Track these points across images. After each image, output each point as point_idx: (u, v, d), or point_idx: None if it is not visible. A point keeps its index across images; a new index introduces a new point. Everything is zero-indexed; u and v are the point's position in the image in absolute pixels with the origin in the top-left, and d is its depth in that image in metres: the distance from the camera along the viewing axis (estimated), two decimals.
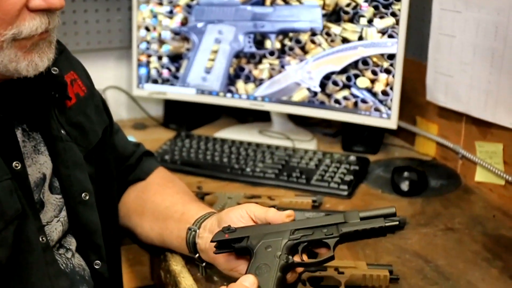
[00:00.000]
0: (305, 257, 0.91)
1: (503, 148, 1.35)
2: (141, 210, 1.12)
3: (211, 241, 0.93)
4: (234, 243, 0.92)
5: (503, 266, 1.10)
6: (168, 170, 1.23)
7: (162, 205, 1.10)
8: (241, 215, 0.95)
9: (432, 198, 1.38)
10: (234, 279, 1.03)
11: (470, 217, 1.29)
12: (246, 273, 0.87)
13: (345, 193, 1.38)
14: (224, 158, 1.52)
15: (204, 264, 1.03)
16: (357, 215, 0.90)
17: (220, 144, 1.59)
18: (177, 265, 1.08)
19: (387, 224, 0.89)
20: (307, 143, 1.66)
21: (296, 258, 0.90)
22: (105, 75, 1.78)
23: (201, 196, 1.31)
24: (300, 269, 0.92)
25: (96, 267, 1.00)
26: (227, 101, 1.67)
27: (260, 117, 1.79)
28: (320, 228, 0.91)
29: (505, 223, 1.26)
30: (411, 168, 1.44)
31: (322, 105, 1.58)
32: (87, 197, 0.98)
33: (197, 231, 1.00)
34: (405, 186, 1.39)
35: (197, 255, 1.02)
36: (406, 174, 1.40)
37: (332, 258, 0.89)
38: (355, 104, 1.55)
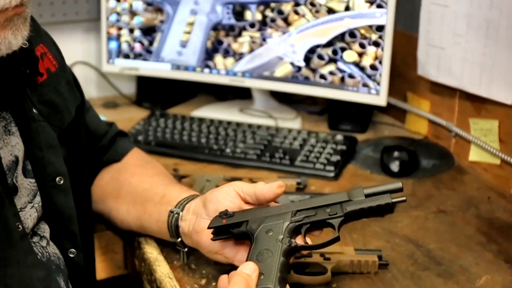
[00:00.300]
0: (309, 240, 0.91)
1: (499, 125, 1.37)
2: (116, 193, 1.12)
3: (208, 227, 0.93)
4: (232, 229, 0.93)
5: (498, 250, 1.12)
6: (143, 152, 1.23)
7: (140, 187, 1.10)
8: (228, 193, 0.96)
9: (423, 179, 1.39)
10: (216, 268, 1.04)
11: (463, 199, 1.30)
12: (247, 260, 0.88)
13: (332, 174, 1.38)
14: (202, 139, 1.52)
15: (186, 249, 1.03)
16: (362, 192, 0.91)
17: (198, 123, 1.58)
18: (152, 253, 1.08)
19: (394, 200, 0.89)
20: (290, 121, 1.66)
21: (299, 241, 0.90)
22: (72, 50, 1.76)
23: (178, 179, 1.31)
24: (304, 253, 0.93)
25: (71, 255, 1.00)
26: (205, 77, 1.67)
27: (240, 94, 1.79)
28: (323, 207, 0.91)
29: (500, 205, 1.28)
30: (402, 147, 1.45)
31: (306, 80, 1.58)
32: (62, 181, 0.98)
33: (180, 213, 1.00)
34: (395, 166, 1.40)
35: (179, 239, 1.02)
36: (396, 153, 1.41)
37: (337, 239, 0.90)
38: (342, 79, 1.55)
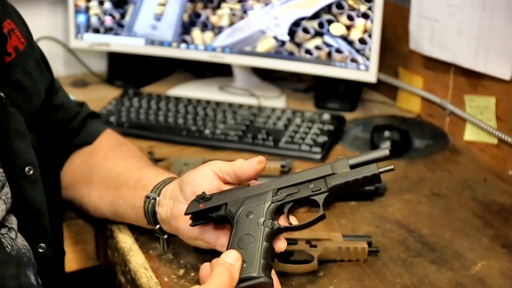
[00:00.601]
0: (293, 220, 0.91)
1: (496, 102, 1.37)
2: (88, 177, 1.11)
3: (185, 214, 0.93)
4: (211, 213, 0.92)
5: (495, 235, 1.13)
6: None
7: (114, 171, 1.09)
8: (205, 174, 0.95)
9: (416, 160, 1.40)
10: (195, 257, 1.04)
11: (458, 181, 1.31)
12: (227, 247, 0.88)
13: (318, 156, 1.39)
14: (179, 119, 1.51)
15: (165, 236, 1.03)
16: (346, 163, 0.90)
17: (174, 103, 1.58)
18: (126, 242, 1.08)
19: (381, 170, 0.89)
20: (274, 100, 1.65)
21: (282, 222, 0.90)
22: (36, 24, 1.72)
23: (153, 163, 1.31)
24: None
25: (41, 250, 0.99)
26: (182, 53, 1.66)
27: (220, 71, 1.78)
28: (306, 183, 0.91)
29: (497, 187, 1.29)
30: (393, 126, 1.45)
31: (291, 56, 1.58)
32: (31, 172, 0.96)
33: (157, 198, 1.00)
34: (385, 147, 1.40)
35: (158, 226, 1.02)
36: (387, 133, 1.41)
37: (323, 217, 0.89)
38: (329, 54, 1.55)
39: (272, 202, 0.90)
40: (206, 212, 0.93)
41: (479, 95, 1.41)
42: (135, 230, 1.10)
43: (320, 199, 0.90)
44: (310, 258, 1.02)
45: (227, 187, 0.95)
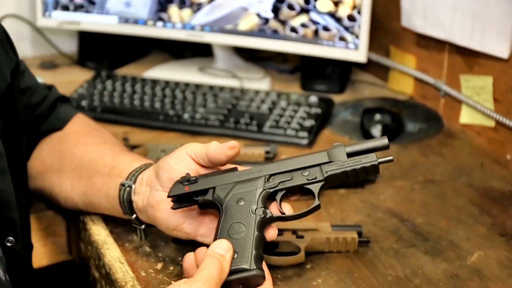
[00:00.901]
0: (286, 207, 0.91)
1: (493, 83, 1.38)
2: (58, 165, 1.11)
3: (168, 196, 0.93)
4: (196, 196, 0.92)
5: (492, 223, 1.14)
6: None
7: (86, 157, 1.09)
8: (180, 158, 0.95)
9: (408, 145, 1.40)
10: (174, 250, 1.04)
11: (453, 167, 1.32)
12: (217, 237, 0.87)
13: (305, 141, 1.39)
14: (156, 103, 1.51)
15: (143, 226, 1.03)
16: (343, 151, 0.91)
17: (151, 85, 1.57)
18: (99, 234, 1.08)
19: (380, 160, 0.90)
20: (258, 82, 1.65)
21: (274, 210, 0.90)
22: (0, 1, 1.73)
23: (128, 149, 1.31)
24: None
25: (9, 244, 0.99)
26: (158, 31, 1.65)
27: (200, 51, 1.78)
28: (301, 171, 0.91)
29: (494, 173, 1.30)
30: (384, 109, 1.46)
31: (275, 34, 1.58)
32: None
33: (133, 186, 1.00)
34: (376, 131, 1.41)
35: (134, 216, 1.02)
36: (377, 117, 1.42)
37: (318, 207, 0.90)
38: (316, 32, 1.55)
39: (264, 189, 0.90)
40: (191, 195, 0.92)
41: (476, 75, 1.42)
42: (110, 222, 1.10)
43: (315, 188, 0.90)
44: (297, 250, 1.02)
45: (205, 171, 0.95)
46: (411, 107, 1.56)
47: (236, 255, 0.84)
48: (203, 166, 0.95)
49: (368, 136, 1.41)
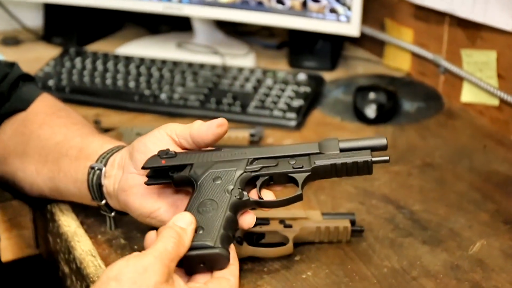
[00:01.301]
0: (267, 194, 0.91)
1: (497, 58, 1.39)
2: (22, 149, 1.10)
3: (143, 168, 0.93)
4: (172, 172, 0.92)
5: (495, 209, 1.15)
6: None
7: (52, 140, 1.08)
8: (159, 139, 0.95)
9: (406, 126, 1.41)
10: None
11: (454, 149, 1.33)
12: (185, 210, 0.87)
13: (293, 123, 1.39)
14: (130, 82, 1.51)
15: (113, 214, 1.03)
16: (337, 144, 0.91)
17: (124, 63, 1.57)
18: (69, 226, 1.08)
19: (374, 159, 0.90)
20: (242, 58, 1.65)
21: (253, 195, 0.91)
22: None
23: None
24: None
25: None
26: (132, 3, 1.64)
27: (178, 26, 1.77)
28: (288, 158, 0.92)
29: (498, 155, 1.31)
30: (379, 87, 1.46)
31: (260, 6, 1.57)
32: None
33: (103, 169, 1.00)
34: (371, 111, 1.41)
35: (104, 201, 1.01)
36: (372, 95, 1.42)
37: (300, 197, 0.90)
38: (304, 4, 1.55)
39: (245, 171, 0.91)
40: (167, 171, 0.93)
41: (478, 49, 1.42)
42: (80, 212, 1.10)
43: (300, 177, 0.91)
44: (285, 240, 1.03)
45: None
46: (408, 85, 1.57)
47: (201, 231, 0.84)
48: (184, 149, 0.95)
49: (361, 116, 1.41)
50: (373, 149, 0.91)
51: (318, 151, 0.91)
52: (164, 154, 0.92)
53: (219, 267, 0.84)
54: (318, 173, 0.91)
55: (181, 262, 0.81)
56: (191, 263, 0.83)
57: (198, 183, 0.90)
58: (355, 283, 0.98)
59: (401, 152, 1.31)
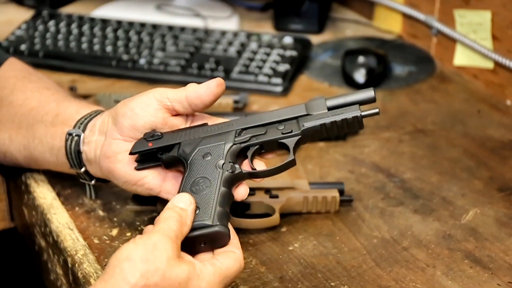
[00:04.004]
0: (259, 164, 0.92)
1: (492, 18, 1.39)
2: None
3: (130, 153, 0.93)
4: (161, 154, 0.93)
5: (490, 176, 1.16)
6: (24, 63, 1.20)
7: (26, 105, 1.07)
8: (147, 104, 0.94)
9: (396, 90, 1.41)
10: (132, 215, 1.04)
11: (447, 114, 1.33)
12: (179, 191, 0.88)
13: (279, 88, 1.39)
14: (107, 46, 1.50)
15: (93, 181, 1.03)
16: (324, 103, 0.91)
17: (101, 26, 1.56)
18: (45, 198, 1.08)
19: (363, 113, 0.90)
20: (224, 21, 1.64)
21: (245, 167, 0.91)
22: None
23: None
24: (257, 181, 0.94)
25: None
26: None
27: None
28: (275, 124, 0.92)
29: (493, 120, 1.32)
30: (369, 50, 1.46)
31: None
32: None
33: (82, 135, 0.99)
34: (360, 75, 1.41)
35: (83, 169, 1.01)
36: (361, 59, 1.42)
37: (293, 163, 0.91)
38: None
39: (234, 144, 0.91)
40: (156, 153, 0.93)
41: (472, 9, 1.42)
42: (57, 183, 1.10)
43: (290, 142, 0.91)
44: (271, 211, 1.03)
45: (174, 120, 0.95)
46: (399, 47, 1.57)
47: (198, 211, 0.85)
48: (175, 115, 0.95)
49: (350, 81, 1.42)
50: (361, 103, 0.91)
51: (305, 113, 0.92)
52: (150, 136, 0.93)
53: (220, 244, 0.85)
54: (309, 135, 0.91)
55: (182, 245, 0.81)
56: (192, 244, 0.84)
57: (188, 161, 0.90)
58: (344, 254, 0.98)
59: (392, 118, 1.32)
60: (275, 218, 1.02)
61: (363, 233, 1.03)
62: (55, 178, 1.09)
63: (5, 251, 1.36)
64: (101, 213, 1.06)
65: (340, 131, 0.91)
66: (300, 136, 0.91)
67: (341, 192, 1.07)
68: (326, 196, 1.05)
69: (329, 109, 0.91)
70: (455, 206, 1.09)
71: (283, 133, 0.91)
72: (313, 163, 1.18)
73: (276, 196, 1.04)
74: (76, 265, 0.96)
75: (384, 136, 1.26)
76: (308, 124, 0.91)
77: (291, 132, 0.91)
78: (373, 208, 1.08)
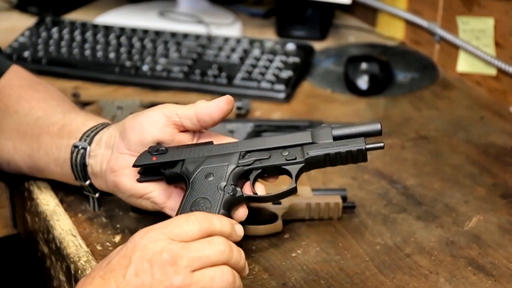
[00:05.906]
0: (260, 188, 0.92)
1: (495, 25, 1.39)
2: None
3: (134, 166, 0.93)
4: (164, 169, 0.93)
5: (493, 183, 1.15)
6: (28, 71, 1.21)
7: (32, 115, 1.07)
8: (155, 119, 0.95)
9: (399, 97, 1.41)
10: (134, 221, 1.04)
11: (450, 121, 1.33)
12: (178, 212, 0.88)
13: (282, 95, 1.39)
14: (110, 53, 1.50)
15: (97, 195, 1.03)
16: (330, 133, 0.92)
17: (104, 33, 1.56)
18: (48, 204, 1.08)
19: (368, 146, 0.91)
20: (227, 27, 1.65)
21: (246, 190, 0.92)
22: None
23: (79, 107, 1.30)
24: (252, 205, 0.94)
25: None
26: None
27: None
28: (280, 149, 0.93)
29: (496, 126, 1.32)
30: (371, 57, 1.46)
31: None
32: None
33: (88, 147, 1.00)
34: (363, 82, 1.41)
35: (88, 182, 1.01)
36: (364, 66, 1.42)
37: (294, 190, 0.91)
38: None
39: (237, 166, 0.91)
40: (159, 167, 0.93)
41: (475, 16, 1.42)
42: (60, 190, 1.10)
43: (293, 170, 0.91)
44: (273, 217, 1.03)
45: (181, 136, 0.95)
46: (402, 54, 1.57)
47: None
48: (183, 131, 0.95)
49: (353, 88, 1.42)
50: (367, 135, 0.92)
51: (311, 141, 0.92)
52: (154, 150, 0.93)
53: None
54: (312, 164, 0.92)
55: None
56: None
57: (191, 180, 0.91)
58: (347, 261, 0.98)
59: (395, 124, 1.32)
60: (278, 225, 1.03)
61: (366, 239, 1.03)
62: (58, 185, 1.09)
63: (8, 258, 1.36)
64: (104, 219, 1.06)
65: (343, 162, 0.92)
66: (303, 164, 0.91)
67: (344, 199, 1.07)
68: (329, 203, 1.05)
69: (335, 139, 0.92)
70: (458, 212, 1.08)
71: (287, 160, 0.92)
72: (316, 169, 1.18)
73: (279, 203, 1.04)
74: (79, 271, 0.96)
75: (387, 143, 1.25)
76: (312, 152, 0.91)
77: (295, 159, 0.92)
78: (376, 215, 1.08)
